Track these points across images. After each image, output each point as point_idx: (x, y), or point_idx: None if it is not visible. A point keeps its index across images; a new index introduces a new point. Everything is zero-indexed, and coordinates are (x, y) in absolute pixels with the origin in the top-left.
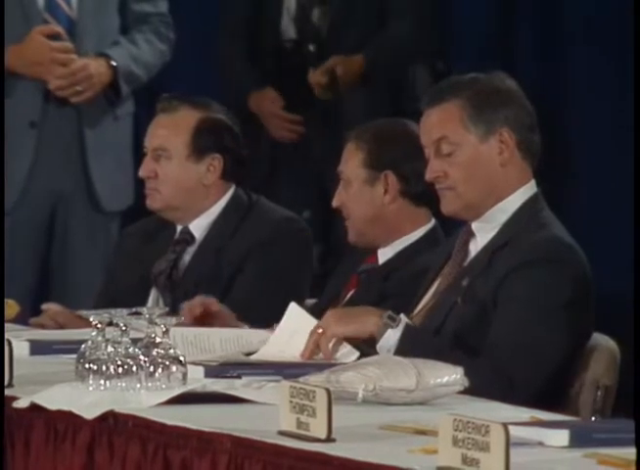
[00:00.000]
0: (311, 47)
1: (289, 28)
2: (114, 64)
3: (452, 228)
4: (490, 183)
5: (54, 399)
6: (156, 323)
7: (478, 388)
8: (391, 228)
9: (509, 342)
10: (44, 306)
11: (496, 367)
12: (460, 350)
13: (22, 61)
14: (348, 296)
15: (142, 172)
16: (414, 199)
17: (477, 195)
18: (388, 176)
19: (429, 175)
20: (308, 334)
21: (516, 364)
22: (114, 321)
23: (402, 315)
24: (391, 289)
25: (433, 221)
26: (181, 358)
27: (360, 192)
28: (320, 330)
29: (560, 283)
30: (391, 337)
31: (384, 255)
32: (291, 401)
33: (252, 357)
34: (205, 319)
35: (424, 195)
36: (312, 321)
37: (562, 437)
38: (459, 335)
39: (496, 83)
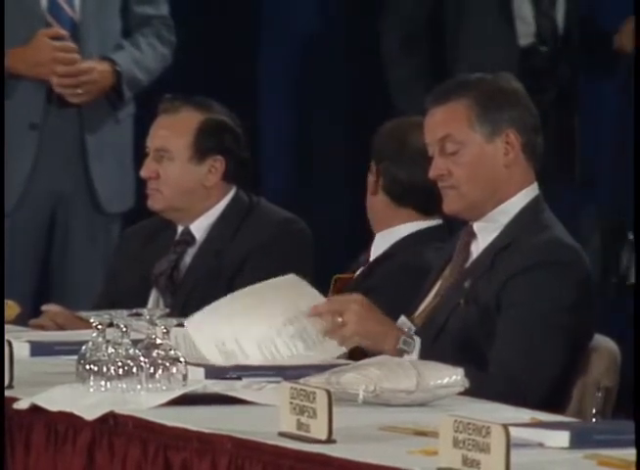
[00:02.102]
0: (543, 48)
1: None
2: (119, 69)
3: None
4: (494, 184)
5: (54, 400)
6: (156, 324)
7: (490, 398)
8: None
9: (517, 347)
10: (44, 308)
11: (508, 379)
12: (466, 355)
13: (26, 63)
14: None
15: (144, 173)
16: (395, 197)
17: (479, 195)
18: (374, 167)
19: (432, 173)
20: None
21: (526, 369)
22: (115, 322)
23: (416, 338)
24: (373, 283)
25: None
26: (181, 359)
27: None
28: (341, 320)
29: (562, 286)
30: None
31: (376, 248)
32: (291, 403)
33: (224, 300)
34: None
35: (408, 195)
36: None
37: (562, 438)
38: (462, 336)
39: (502, 84)
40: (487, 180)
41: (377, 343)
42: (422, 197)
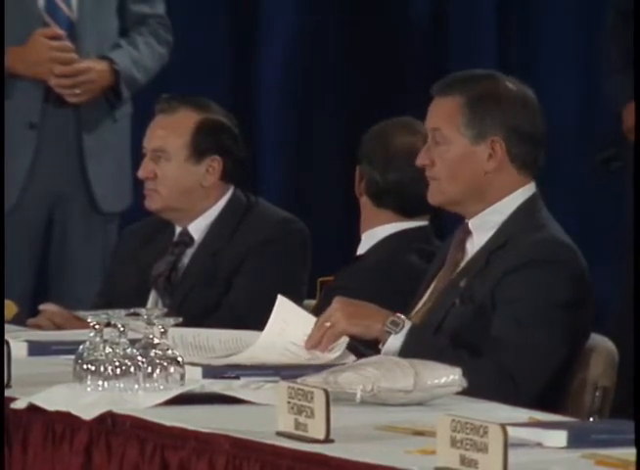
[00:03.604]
0: None
1: None
2: (117, 68)
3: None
4: (474, 186)
5: (52, 399)
6: (154, 324)
7: (481, 388)
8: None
9: (511, 343)
10: (41, 307)
11: (501, 368)
12: (462, 350)
13: (24, 63)
14: None
15: (141, 173)
16: (373, 199)
17: (459, 193)
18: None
19: (419, 160)
20: (302, 324)
21: (519, 366)
22: (112, 322)
23: (406, 319)
24: (338, 283)
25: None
26: (179, 359)
27: None
28: (328, 324)
29: (557, 283)
30: (394, 343)
31: (360, 250)
32: (289, 402)
33: (248, 351)
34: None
35: (384, 197)
36: (302, 312)
37: (560, 437)
38: (457, 335)
39: (503, 89)
40: (465, 182)
41: (366, 330)
42: (398, 198)
